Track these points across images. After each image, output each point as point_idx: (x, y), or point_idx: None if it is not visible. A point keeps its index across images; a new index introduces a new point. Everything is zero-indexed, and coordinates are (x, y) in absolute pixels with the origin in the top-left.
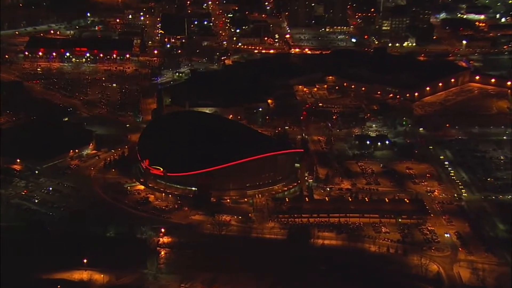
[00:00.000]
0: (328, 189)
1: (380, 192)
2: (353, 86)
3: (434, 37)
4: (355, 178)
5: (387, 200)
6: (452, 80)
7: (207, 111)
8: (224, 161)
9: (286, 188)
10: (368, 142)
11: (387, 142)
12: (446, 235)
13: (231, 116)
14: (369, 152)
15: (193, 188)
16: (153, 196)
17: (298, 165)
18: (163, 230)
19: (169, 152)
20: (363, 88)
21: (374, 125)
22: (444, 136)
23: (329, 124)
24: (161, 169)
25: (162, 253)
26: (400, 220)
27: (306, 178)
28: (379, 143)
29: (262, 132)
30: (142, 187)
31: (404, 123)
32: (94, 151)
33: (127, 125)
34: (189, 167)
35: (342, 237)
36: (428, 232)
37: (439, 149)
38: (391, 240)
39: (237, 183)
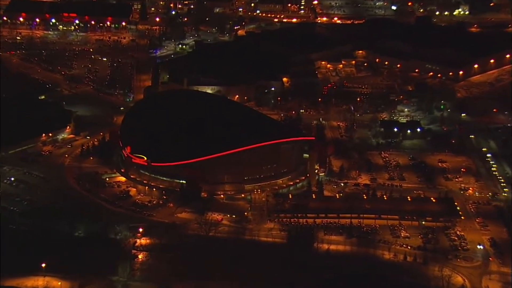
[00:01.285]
0: (342, 184)
1: (403, 189)
2: (386, 63)
3: (491, 4)
4: (376, 171)
5: (409, 199)
6: (508, 55)
7: (209, 91)
8: (219, 150)
9: (291, 183)
10: (395, 130)
11: (418, 129)
12: (479, 246)
13: (237, 96)
14: (396, 141)
15: (182, 181)
16: (134, 189)
17: (307, 155)
18: (141, 229)
19: (155, 138)
20: (398, 65)
21: (406, 109)
22: (489, 123)
23: (352, 108)
24: (145, 158)
25: (140, 256)
26: (423, 222)
27: (316, 171)
28: (408, 131)
29: (272, 116)
30: (123, 178)
31: (442, 107)
32: (71, 135)
33: (122, 108)
34: (177, 156)
35: (352, 241)
36: (456, 238)
37: (481, 138)
38: (410, 246)
39: (233, 176)
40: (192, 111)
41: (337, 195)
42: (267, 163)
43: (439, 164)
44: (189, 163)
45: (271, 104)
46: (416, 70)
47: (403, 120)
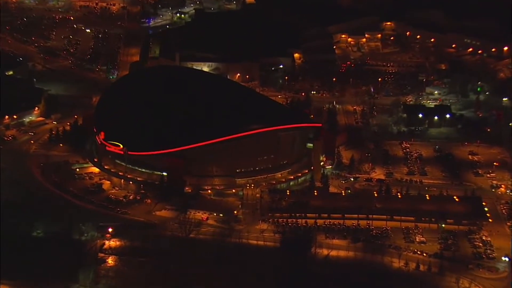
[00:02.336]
0: (351, 179)
1: (424, 185)
2: (418, 37)
3: None
4: (393, 165)
5: (428, 198)
6: None
7: (205, 68)
8: (207, 137)
9: (292, 177)
10: (420, 116)
11: (448, 115)
12: (504, 258)
13: (238, 75)
14: (421, 129)
15: (163, 173)
16: (108, 182)
17: (311, 145)
18: (110, 229)
19: (133, 122)
20: (432, 39)
21: (436, 92)
22: None
23: (372, 89)
24: (121, 146)
25: (109, 261)
26: (443, 225)
27: (322, 163)
28: (436, 117)
29: (277, 99)
30: (96, 169)
31: (479, 89)
32: (40, 118)
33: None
34: (158, 144)
35: (357, 246)
36: (480, 244)
37: None
38: (425, 253)
39: (222, 168)
40: (180, 92)
41: (343, 192)
42: (264, 153)
43: (469, 156)
44: (171, 152)
45: (277, 85)
46: (453, 46)
47: (431, 104)
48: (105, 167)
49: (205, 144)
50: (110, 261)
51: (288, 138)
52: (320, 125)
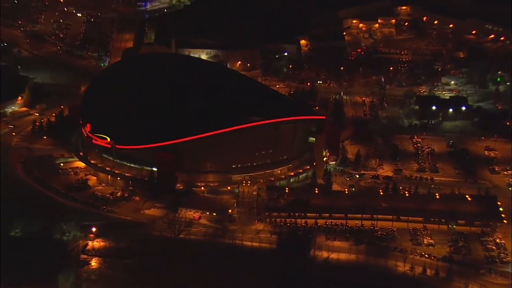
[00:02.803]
0: (356, 176)
1: (435, 183)
2: (436, 22)
3: None
4: (402, 161)
5: (437, 196)
6: None
7: (203, 55)
8: (200, 130)
9: (292, 173)
10: (434, 108)
11: (464, 108)
12: None
13: (239, 63)
14: (434, 122)
15: (153, 169)
16: (95, 178)
17: (314, 139)
18: (94, 229)
19: (122, 114)
20: (450, 25)
21: (452, 82)
22: None
23: (383, 79)
24: (108, 139)
25: (92, 263)
26: (454, 227)
27: (325, 158)
28: (451, 110)
29: (281, 89)
30: (82, 164)
31: (499, 79)
32: (24, 108)
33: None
34: (147, 137)
35: (359, 249)
36: (494, 247)
37: None
38: (433, 256)
39: (217, 164)
40: (173, 81)
41: (346, 189)
42: (262, 148)
43: (486, 152)
44: (162, 146)
45: (281, 74)
46: (473, 32)
47: (446, 95)
48: (91, 161)
49: (198, 137)
50: (93, 263)
51: (288, 132)
52: (324, 117)
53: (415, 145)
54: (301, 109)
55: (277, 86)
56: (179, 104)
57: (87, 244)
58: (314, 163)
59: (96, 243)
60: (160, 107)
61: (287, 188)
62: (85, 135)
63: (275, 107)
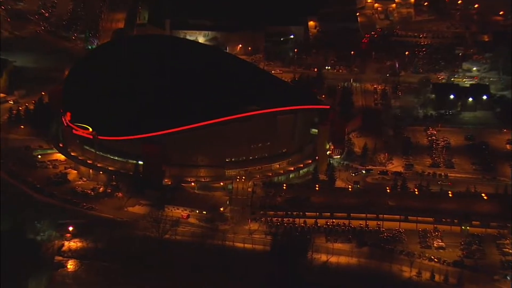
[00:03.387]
0: (363, 171)
1: (449, 180)
2: (459, 2)
3: None
4: (415, 155)
5: (450, 195)
6: None
7: (200, 38)
8: (191, 120)
9: (292, 168)
10: (452, 97)
11: (485, 97)
12: None
13: (239, 46)
14: (452, 113)
15: (138, 162)
16: (75, 171)
17: (316, 130)
18: (71, 228)
19: (105, 102)
20: (476, 5)
21: (474, 68)
22: None
23: (397, 65)
24: (90, 129)
25: (68, 265)
26: (468, 228)
27: (328, 152)
28: (470, 99)
29: (285, 75)
30: (61, 156)
31: None
32: (1, 95)
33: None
34: (133, 127)
35: (362, 252)
36: (511, 251)
37: None
38: (443, 260)
39: (209, 157)
40: (164, 66)
41: (349, 187)
42: (258, 140)
43: (507, 146)
44: (149, 137)
45: (286, 58)
46: (501, 13)
47: (466, 83)
48: (72, 154)
49: (189, 128)
50: (70, 265)
51: (287, 122)
52: (328, 107)
53: (430, 138)
54: (303, 98)
55: (280, 72)
56: (169, 92)
57: (63, 245)
58: (316, 157)
59: (73, 244)
60: (147, 95)
61: (284, 185)
62: (65, 124)
63: (273, 95)
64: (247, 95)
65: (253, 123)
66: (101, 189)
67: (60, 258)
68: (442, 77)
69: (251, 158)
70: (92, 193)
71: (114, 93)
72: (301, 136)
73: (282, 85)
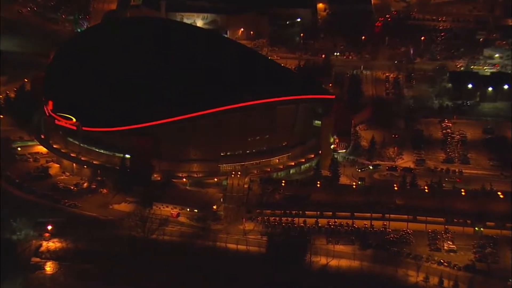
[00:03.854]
0: (370, 167)
1: (464, 177)
2: None
3: None
4: (427, 149)
5: (463, 193)
6: None
7: (198, 21)
8: (183, 111)
9: (292, 163)
10: (470, 86)
11: (506, 86)
12: None
13: (241, 30)
14: (469, 103)
15: (125, 156)
16: (57, 165)
17: (319, 122)
18: (50, 227)
19: (90, 90)
20: None
21: (496, 55)
22: None
23: (412, 51)
24: (73, 120)
25: (46, 267)
26: (482, 229)
27: (333, 146)
28: (490, 88)
29: (289, 61)
30: (43, 149)
31: None
32: None
33: None
34: (120, 118)
35: (365, 254)
36: None
37: None
38: (454, 264)
39: (203, 151)
40: (155, 52)
41: (353, 184)
42: (256, 132)
43: None
44: (137, 129)
45: (292, 43)
46: None
47: (486, 71)
48: (54, 146)
49: (181, 119)
50: (48, 267)
51: (288, 113)
52: (333, 96)
53: (444, 131)
54: (306, 87)
55: (286, 58)
56: (160, 80)
57: (41, 245)
58: (320, 151)
59: (52, 244)
60: (137, 83)
61: (284, 181)
62: (47, 114)
63: (274, 84)
64: (245, 84)
65: (251, 114)
66: (85, 184)
67: (38, 259)
68: (460, 64)
69: (248, 152)
70: (75, 189)
71: (100, 80)
72: (303, 129)
73: (284, 73)
